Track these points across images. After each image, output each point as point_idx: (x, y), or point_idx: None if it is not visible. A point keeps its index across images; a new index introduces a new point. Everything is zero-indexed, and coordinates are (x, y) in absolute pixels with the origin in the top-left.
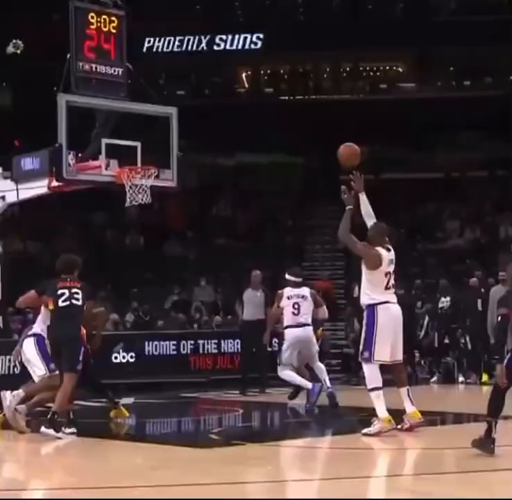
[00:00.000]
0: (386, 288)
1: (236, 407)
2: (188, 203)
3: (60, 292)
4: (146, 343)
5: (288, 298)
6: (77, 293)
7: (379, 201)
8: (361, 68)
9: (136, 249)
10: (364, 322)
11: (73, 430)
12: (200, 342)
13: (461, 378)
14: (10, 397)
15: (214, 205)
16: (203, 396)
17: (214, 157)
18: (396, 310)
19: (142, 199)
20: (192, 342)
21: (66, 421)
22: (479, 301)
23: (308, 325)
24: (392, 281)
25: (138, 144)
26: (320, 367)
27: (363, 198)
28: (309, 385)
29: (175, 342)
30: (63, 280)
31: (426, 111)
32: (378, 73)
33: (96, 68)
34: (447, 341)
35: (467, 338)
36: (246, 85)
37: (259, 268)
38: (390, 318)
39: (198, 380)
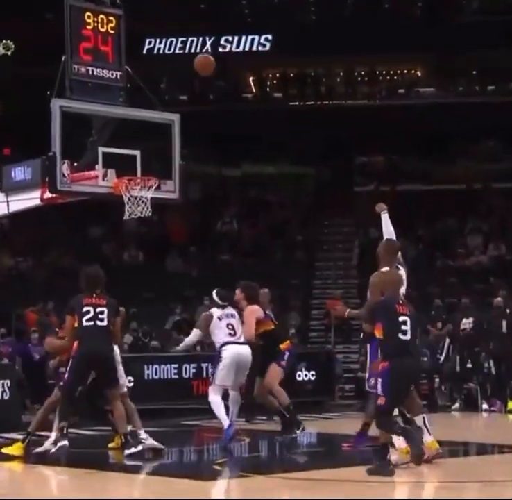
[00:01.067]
0: None
1: (241, 436)
2: (191, 216)
3: (85, 309)
4: (146, 366)
5: (219, 318)
6: (102, 312)
7: (396, 214)
8: (376, 71)
9: (135, 265)
10: (369, 349)
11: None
12: (204, 365)
13: (484, 406)
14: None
15: (219, 219)
16: (206, 424)
17: (218, 167)
18: None
19: (142, 212)
20: (195, 365)
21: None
22: (504, 323)
23: (246, 344)
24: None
25: (137, 153)
26: (235, 397)
27: (384, 217)
28: (225, 422)
29: (176, 365)
30: (88, 296)
31: (447, 118)
32: (395, 77)
33: (92, 71)
34: (469, 365)
35: (491, 362)
36: (253, 90)
37: (267, 286)
38: None
39: (201, 407)
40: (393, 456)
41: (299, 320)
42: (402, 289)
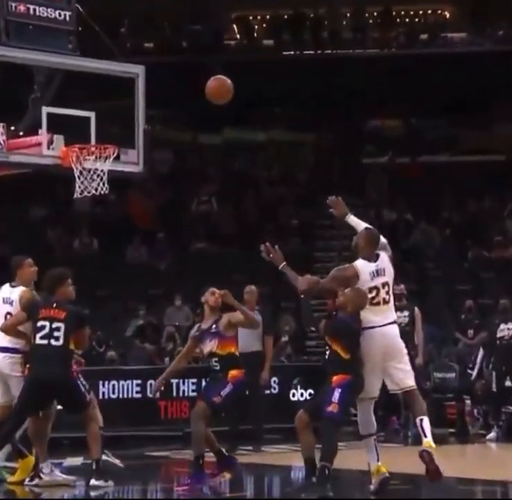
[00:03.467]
0: (372, 304)
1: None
2: (158, 193)
3: (40, 323)
4: (101, 383)
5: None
6: (58, 329)
7: (416, 192)
8: (393, 13)
9: (87, 255)
10: None
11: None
12: (174, 381)
13: None
14: None
15: (194, 198)
16: (176, 456)
17: (193, 132)
18: (383, 333)
19: (96, 189)
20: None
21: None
22: None
23: None
24: (382, 296)
25: (91, 115)
26: None
27: (351, 219)
28: None
29: (139, 382)
30: (48, 306)
31: (481, 70)
32: (416, 20)
33: (34, 10)
34: (509, 383)
35: None
36: (237, 36)
37: (254, 282)
38: (375, 346)
39: (170, 434)
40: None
41: (293, 325)
42: (380, 280)
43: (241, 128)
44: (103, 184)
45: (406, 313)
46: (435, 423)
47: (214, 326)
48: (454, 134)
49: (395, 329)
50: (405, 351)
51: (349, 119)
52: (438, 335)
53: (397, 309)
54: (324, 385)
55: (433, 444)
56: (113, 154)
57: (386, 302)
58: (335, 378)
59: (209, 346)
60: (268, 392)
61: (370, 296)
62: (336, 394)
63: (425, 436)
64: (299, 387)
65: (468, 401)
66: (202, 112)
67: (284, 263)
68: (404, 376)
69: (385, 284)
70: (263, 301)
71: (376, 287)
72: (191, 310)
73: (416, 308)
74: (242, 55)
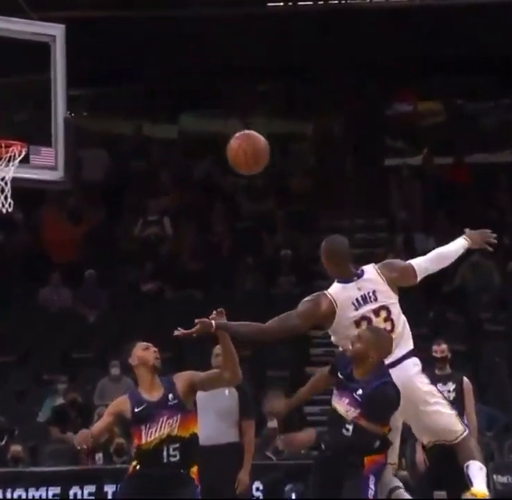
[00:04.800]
0: None
1: None
2: (87, 212)
3: None
4: (1, 492)
5: None
6: None
7: (464, 208)
8: None
9: None
10: None
11: None
12: (108, 488)
13: None
14: None
15: (138, 217)
16: None
17: (137, 122)
18: (394, 376)
19: None
20: (92, 487)
21: None
22: None
23: None
24: (380, 326)
25: None
26: None
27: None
28: None
29: (57, 491)
30: None
31: None
32: None
33: None
34: None
35: None
36: None
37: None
38: None
39: None
40: None
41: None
42: (368, 307)
43: (206, 115)
44: (5, 198)
45: (450, 386)
46: None
47: (170, 395)
48: None
49: (408, 367)
50: (430, 386)
51: (364, 100)
52: (500, 420)
53: (439, 379)
54: (333, 469)
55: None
56: (19, 154)
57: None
58: (367, 460)
59: (166, 427)
60: None
61: (356, 331)
62: (371, 486)
63: (471, 484)
64: (293, 495)
65: None
66: (151, 94)
67: (215, 323)
68: (445, 421)
69: (380, 309)
70: (242, 369)
71: (365, 318)
72: (134, 382)
73: (465, 379)
74: (212, 9)
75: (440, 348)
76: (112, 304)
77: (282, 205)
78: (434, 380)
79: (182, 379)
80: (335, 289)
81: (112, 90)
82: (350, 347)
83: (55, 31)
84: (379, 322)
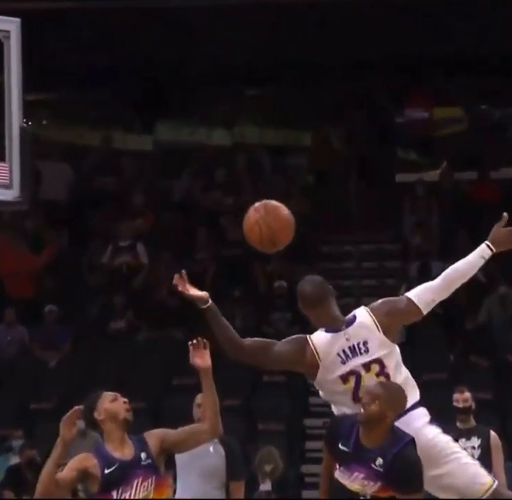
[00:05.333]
0: (358, 401)
1: None
2: (48, 238)
3: None
4: None
5: None
6: None
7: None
8: None
9: None
10: None
11: None
12: None
13: None
14: None
15: (108, 244)
16: None
17: (106, 131)
18: None
19: None
20: None
21: None
22: None
23: None
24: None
25: None
26: None
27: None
28: None
29: None
30: None
31: None
32: None
33: None
34: None
35: None
36: None
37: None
38: None
39: None
40: None
41: (279, 464)
42: (357, 361)
43: (186, 124)
44: None
45: (475, 441)
46: None
47: (142, 454)
48: None
49: (415, 419)
50: (443, 437)
51: (371, 106)
52: None
53: (461, 434)
54: None
55: None
56: None
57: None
58: None
59: (141, 491)
60: None
61: (343, 387)
62: None
63: None
64: None
65: None
66: (121, 98)
67: (210, 303)
68: (469, 474)
69: (371, 363)
70: (230, 423)
71: (353, 373)
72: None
73: (492, 433)
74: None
75: (463, 397)
76: (75, 346)
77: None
78: (455, 435)
79: (154, 437)
80: (319, 338)
81: (76, 95)
82: (361, 411)
83: (9, 26)
84: (369, 377)
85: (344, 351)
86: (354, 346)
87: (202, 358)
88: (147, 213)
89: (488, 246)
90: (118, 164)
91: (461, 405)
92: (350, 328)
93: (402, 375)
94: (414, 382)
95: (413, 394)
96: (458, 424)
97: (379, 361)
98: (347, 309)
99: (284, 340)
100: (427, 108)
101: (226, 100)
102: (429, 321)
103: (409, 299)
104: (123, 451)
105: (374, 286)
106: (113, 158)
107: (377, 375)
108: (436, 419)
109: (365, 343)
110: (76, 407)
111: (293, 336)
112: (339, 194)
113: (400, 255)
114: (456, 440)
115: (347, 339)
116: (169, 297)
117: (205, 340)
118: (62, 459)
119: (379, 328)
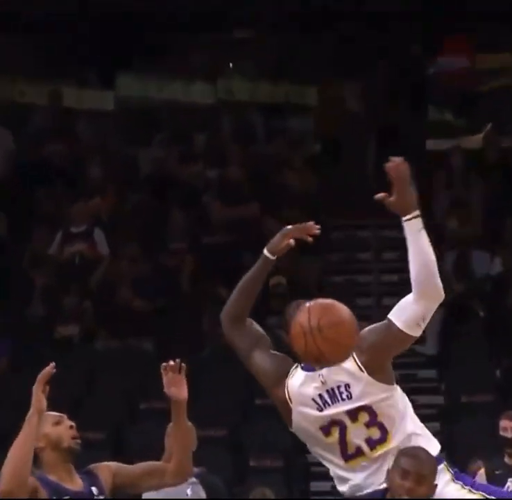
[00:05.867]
0: (348, 458)
1: None
2: None
3: None
4: None
5: None
6: None
7: None
8: None
9: None
10: None
11: None
12: None
13: None
14: None
15: (57, 227)
16: None
17: (53, 88)
18: None
19: None
20: None
21: None
22: None
23: None
24: (355, 441)
25: None
26: None
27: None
28: None
29: None
30: None
31: None
32: None
33: None
34: None
35: None
36: None
37: (192, 419)
38: None
39: None
40: None
41: None
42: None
43: (156, 76)
44: None
45: None
46: None
47: (93, 488)
48: None
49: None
50: (472, 496)
51: (395, 54)
52: None
53: (509, 471)
54: None
55: None
56: None
57: (362, 453)
58: None
59: None
60: None
61: (326, 441)
62: None
63: None
64: None
65: None
66: (72, 44)
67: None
68: None
69: (358, 411)
70: (213, 457)
71: (336, 423)
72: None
73: None
74: None
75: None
76: (13, 359)
77: (272, 209)
78: (504, 473)
79: (104, 470)
80: (294, 377)
81: (14, 40)
82: (399, 493)
83: None
84: (358, 429)
85: (320, 396)
86: (333, 390)
87: (178, 387)
88: (107, 191)
89: None
90: (70, 128)
91: (509, 434)
92: (325, 370)
93: (407, 425)
94: (428, 432)
95: (431, 444)
96: (505, 460)
97: (367, 408)
98: (364, 312)
99: (277, 354)
100: (466, 56)
101: (207, 45)
102: (468, 328)
103: (395, 328)
104: (72, 483)
105: (397, 283)
106: (63, 120)
107: (367, 425)
108: (478, 451)
109: (347, 386)
110: (48, 368)
111: (286, 356)
112: (353, 167)
113: (431, 244)
114: (504, 479)
115: (324, 383)
116: (135, 298)
117: (182, 363)
118: (37, 433)
119: (362, 367)
